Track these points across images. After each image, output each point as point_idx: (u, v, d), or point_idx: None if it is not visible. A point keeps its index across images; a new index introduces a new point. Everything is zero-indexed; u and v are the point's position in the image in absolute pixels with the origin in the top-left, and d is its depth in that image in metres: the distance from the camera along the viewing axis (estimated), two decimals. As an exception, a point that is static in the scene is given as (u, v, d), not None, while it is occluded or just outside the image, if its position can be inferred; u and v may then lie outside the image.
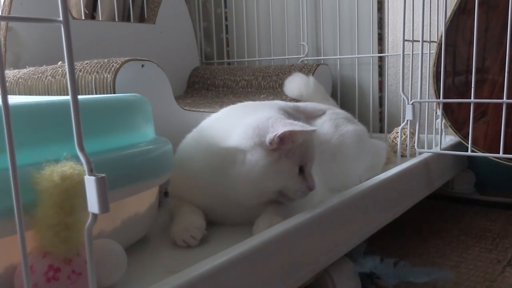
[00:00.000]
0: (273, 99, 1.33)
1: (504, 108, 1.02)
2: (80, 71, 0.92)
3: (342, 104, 1.55)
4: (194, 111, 1.10)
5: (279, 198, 0.74)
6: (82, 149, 0.36)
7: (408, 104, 1.16)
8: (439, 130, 1.21)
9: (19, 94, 1.01)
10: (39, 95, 0.98)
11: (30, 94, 1.00)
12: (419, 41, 1.16)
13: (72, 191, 0.44)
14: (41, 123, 0.52)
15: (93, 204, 0.37)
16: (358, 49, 1.61)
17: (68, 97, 0.36)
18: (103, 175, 0.36)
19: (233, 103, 0.84)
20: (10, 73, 1.08)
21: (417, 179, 1.14)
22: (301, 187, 0.72)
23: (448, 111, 1.21)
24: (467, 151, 1.11)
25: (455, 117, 1.21)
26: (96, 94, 0.89)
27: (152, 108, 0.72)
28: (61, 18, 0.34)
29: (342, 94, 1.67)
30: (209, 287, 0.53)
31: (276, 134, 0.67)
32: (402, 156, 1.22)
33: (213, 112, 0.83)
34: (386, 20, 1.61)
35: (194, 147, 0.77)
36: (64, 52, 0.35)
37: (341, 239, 0.81)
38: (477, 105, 1.13)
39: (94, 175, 0.36)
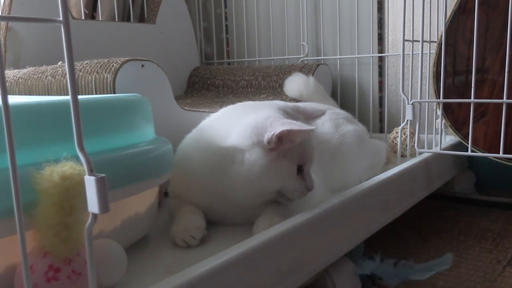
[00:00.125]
0: (273, 99, 1.33)
1: (504, 108, 1.02)
2: (80, 71, 0.92)
3: (342, 104, 1.55)
4: (194, 111, 1.10)
5: (278, 198, 0.74)
6: (82, 149, 0.36)
7: (408, 104, 1.16)
8: (439, 130, 1.21)
9: (19, 94, 1.01)
10: (39, 95, 0.98)
11: (30, 94, 1.00)
12: (419, 41, 1.16)
13: (72, 191, 0.44)
14: (41, 123, 0.52)
15: (93, 204, 0.37)
16: (358, 49, 1.61)
17: (68, 97, 0.36)
18: (103, 175, 0.36)
19: (233, 103, 0.84)
20: (10, 73, 1.08)
21: (417, 179, 1.14)
22: (300, 187, 0.72)
23: (448, 111, 1.21)
24: (467, 151, 1.11)
25: (455, 117, 1.21)
26: (96, 94, 0.89)
27: (152, 108, 0.72)
28: (61, 18, 0.34)
29: (342, 94, 1.67)
30: (209, 287, 0.53)
31: (274, 133, 0.67)
32: (402, 156, 1.22)
33: (213, 112, 0.83)
34: (386, 20, 1.61)
35: (194, 147, 0.77)
36: (64, 52, 0.35)
37: (341, 239, 0.81)
38: (477, 105, 1.13)
39: (94, 175, 0.36)
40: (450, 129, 1.23)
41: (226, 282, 0.56)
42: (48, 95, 0.96)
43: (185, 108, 1.09)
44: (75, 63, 0.76)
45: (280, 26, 1.79)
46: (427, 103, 1.28)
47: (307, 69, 1.51)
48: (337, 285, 0.80)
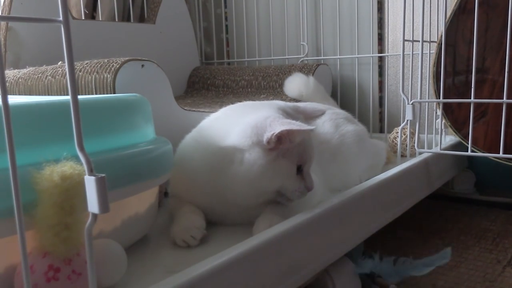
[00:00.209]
0: (273, 99, 1.33)
1: (504, 108, 1.02)
2: (80, 71, 0.92)
3: (342, 104, 1.55)
4: (194, 111, 1.10)
5: (277, 198, 0.74)
6: (82, 149, 0.36)
7: (408, 104, 1.16)
8: (439, 130, 1.21)
9: (19, 94, 1.01)
10: (39, 95, 0.98)
11: (30, 94, 1.00)
12: (419, 41, 1.16)
13: (72, 191, 0.44)
14: (41, 123, 0.52)
15: (93, 204, 0.37)
16: (358, 49, 1.61)
17: (68, 97, 0.36)
18: (103, 175, 0.36)
19: (233, 103, 0.84)
20: (10, 73, 1.08)
21: (417, 179, 1.14)
22: (299, 187, 0.72)
23: (448, 111, 1.21)
24: (467, 151, 1.11)
25: (455, 117, 1.21)
26: (96, 94, 0.89)
27: (152, 108, 0.72)
28: (61, 18, 0.34)
29: (342, 94, 1.67)
30: (209, 287, 0.53)
31: (274, 133, 0.67)
32: (402, 156, 1.22)
33: (213, 112, 0.83)
34: (386, 20, 1.61)
35: (194, 146, 0.77)
36: (64, 52, 0.35)
37: (341, 239, 0.81)
38: (477, 105, 1.13)
39: (94, 175, 0.36)
40: (450, 129, 1.23)
41: (226, 282, 0.56)
42: (48, 95, 0.96)
43: (185, 108, 1.09)
44: (75, 63, 0.76)
45: (280, 26, 1.79)
46: (427, 103, 1.28)
47: (307, 69, 1.51)
48: (337, 285, 0.80)
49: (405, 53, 1.16)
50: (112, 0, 1.62)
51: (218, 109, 0.83)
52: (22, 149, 0.47)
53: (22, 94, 1.01)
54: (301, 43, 1.73)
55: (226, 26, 1.98)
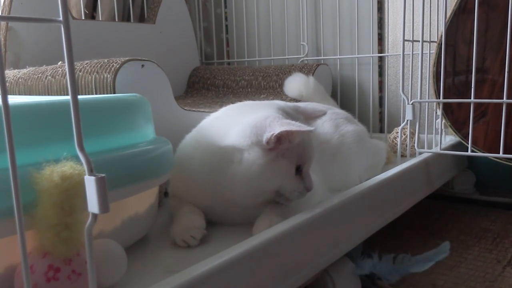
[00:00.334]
0: (273, 99, 1.33)
1: (504, 108, 1.02)
2: (80, 71, 0.92)
3: (342, 104, 1.55)
4: (194, 111, 1.10)
5: (276, 198, 0.73)
6: (82, 149, 0.36)
7: (408, 104, 1.16)
8: (439, 130, 1.21)
9: (19, 94, 1.01)
10: (39, 95, 0.98)
11: (30, 94, 1.00)
12: (419, 41, 1.16)
13: (72, 191, 0.44)
14: (41, 123, 0.52)
15: (93, 204, 0.37)
16: (358, 49, 1.61)
17: (68, 97, 0.36)
18: (103, 175, 0.36)
19: (233, 103, 0.84)
20: (10, 73, 1.08)
21: (417, 179, 1.14)
22: (298, 187, 0.72)
23: (448, 111, 1.21)
24: (467, 151, 1.11)
25: (455, 117, 1.21)
26: (96, 94, 0.89)
27: (152, 108, 0.72)
28: (61, 18, 0.34)
29: (342, 94, 1.67)
30: (209, 287, 0.53)
31: (273, 134, 0.67)
32: (402, 156, 1.22)
33: (213, 112, 0.83)
34: (386, 20, 1.61)
35: (194, 146, 0.77)
36: (64, 52, 0.35)
37: (341, 239, 0.81)
38: (477, 105, 1.13)
39: (94, 175, 0.36)
40: (450, 129, 1.23)
41: (226, 282, 0.56)
42: (48, 95, 0.96)
43: (185, 108, 1.09)
44: (75, 63, 0.76)
45: (280, 26, 1.79)
46: (427, 103, 1.28)
47: (307, 69, 1.51)
48: (337, 285, 0.80)
49: (405, 53, 1.16)
50: (112, 0, 1.62)
51: (218, 109, 0.83)
52: (22, 149, 0.47)
53: (22, 94, 1.01)
54: (301, 43, 1.73)
55: (226, 26, 1.98)
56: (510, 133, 1.13)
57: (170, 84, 1.00)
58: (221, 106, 0.85)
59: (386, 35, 1.61)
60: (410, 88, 1.19)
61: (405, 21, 1.15)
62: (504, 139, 1.02)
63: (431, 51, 1.24)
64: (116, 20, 1.62)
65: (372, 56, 1.60)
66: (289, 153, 0.70)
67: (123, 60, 0.89)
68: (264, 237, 0.63)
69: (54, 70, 0.97)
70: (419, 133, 1.18)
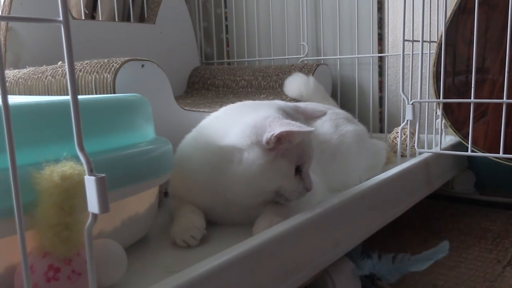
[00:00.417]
0: (273, 99, 1.33)
1: (504, 108, 1.02)
2: (80, 71, 0.92)
3: (342, 104, 1.55)
4: (194, 111, 1.10)
5: (276, 198, 0.73)
6: (82, 149, 0.36)
7: (408, 104, 1.16)
8: (439, 130, 1.21)
9: (19, 94, 1.01)
10: (39, 95, 0.98)
11: (30, 94, 1.00)
12: (419, 41, 1.16)
13: (72, 191, 0.44)
14: (41, 123, 0.52)
15: (93, 204, 0.37)
16: (358, 49, 1.61)
17: (68, 97, 0.36)
18: (103, 175, 0.36)
19: (233, 103, 0.84)
20: (10, 73, 1.08)
21: (417, 179, 1.14)
22: (298, 187, 0.72)
23: (448, 111, 1.21)
24: (467, 151, 1.11)
25: (455, 117, 1.21)
26: (96, 94, 0.89)
27: (152, 108, 0.72)
28: (61, 18, 0.34)
29: (342, 94, 1.67)
30: (209, 287, 0.53)
31: (273, 134, 0.67)
32: (402, 156, 1.22)
33: (213, 112, 0.83)
34: (386, 20, 1.61)
35: (193, 146, 0.77)
36: (64, 52, 0.35)
37: (341, 239, 0.81)
38: (477, 105, 1.13)
39: (94, 175, 0.36)
40: (450, 129, 1.23)
41: (226, 282, 0.56)
42: (48, 95, 0.96)
43: (185, 108, 1.09)
44: (75, 63, 0.76)
45: (280, 26, 1.79)
46: (427, 103, 1.28)
47: (307, 69, 1.51)
48: (337, 285, 0.80)
49: (405, 53, 1.16)
50: (112, 0, 1.62)
51: (218, 109, 0.83)
52: (22, 149, 0.47)
53: (22, 94, 1.01)
54: (301, 43, 1.73)
55: (226, 26, 1.98)
56: (510, 133, 1.13)
57: (170, 84, 1.00)
58: (221, 106, 0.85)
59: (386, 35, 1.61)
60: (410, 88, 1.19)
61: (405, 21, 1.15)
62: (504, 139, 1.02)
63: (431, 51, 1.24)
64: (116, 20, 1.62)
65: (372, 56, 1.60)
66: (289, 153, 0.70)
67: (123, 60, 0.89)
68: (264, 237, 0.63)
69: (54, 70, 0.97)
70: (419, 133, 1.18)
